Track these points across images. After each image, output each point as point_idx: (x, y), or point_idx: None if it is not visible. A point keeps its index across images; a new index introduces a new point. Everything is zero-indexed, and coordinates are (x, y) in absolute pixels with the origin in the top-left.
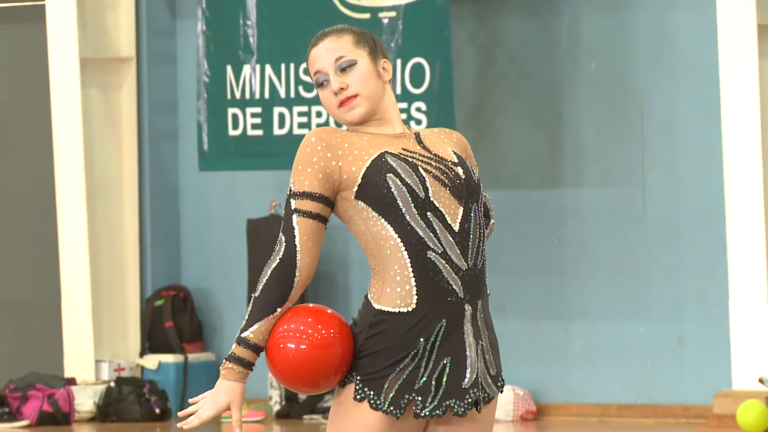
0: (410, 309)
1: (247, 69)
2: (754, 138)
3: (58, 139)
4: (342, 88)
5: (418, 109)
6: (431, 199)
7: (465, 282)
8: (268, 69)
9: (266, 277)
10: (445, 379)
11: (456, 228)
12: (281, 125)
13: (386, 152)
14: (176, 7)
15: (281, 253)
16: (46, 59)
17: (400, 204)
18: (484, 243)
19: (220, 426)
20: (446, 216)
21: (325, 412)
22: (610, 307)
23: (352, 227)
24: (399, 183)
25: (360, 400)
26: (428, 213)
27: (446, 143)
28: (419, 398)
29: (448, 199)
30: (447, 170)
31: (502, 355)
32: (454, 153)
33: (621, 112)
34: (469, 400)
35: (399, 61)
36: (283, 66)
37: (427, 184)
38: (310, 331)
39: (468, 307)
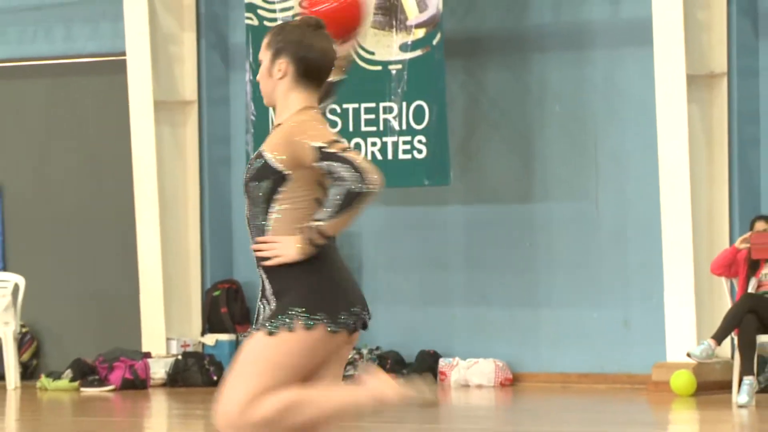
0: None
1: None
2: (683, 164)
3: (137, 166)
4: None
5: (420, 141)
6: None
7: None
8: None
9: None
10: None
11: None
12: None
13: None
14: (229, 60)
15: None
16: (127, 103)
17: None
18: (255, 221)
19: None
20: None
21: (346, 379)
22: (571, 297)
23: None
24: None
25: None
26: None
27: (268, 138)
28: None
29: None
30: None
31: (486, 335)
32: (260, 149)
33: (579, 144)
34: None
35: (404, 104)
36: None
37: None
38: None
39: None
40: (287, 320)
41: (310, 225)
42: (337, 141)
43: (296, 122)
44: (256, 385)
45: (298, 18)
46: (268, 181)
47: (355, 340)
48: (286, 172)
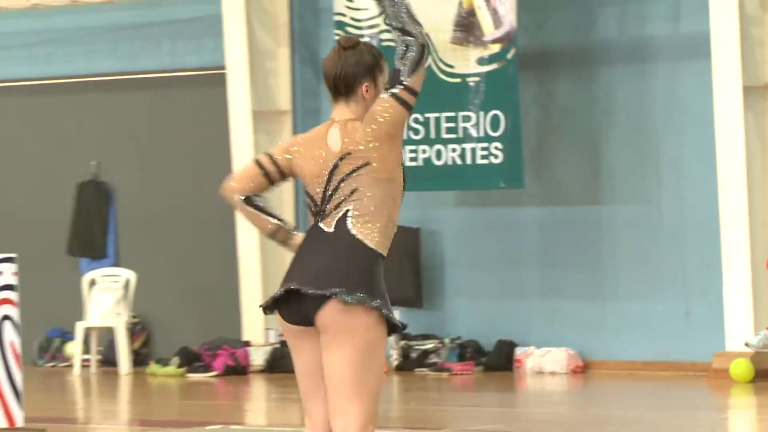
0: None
1: None
2: (740, 169)
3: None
4: None
5: (496, 147)
6: None
7: None
8: None
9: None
10: None
11: None
12: None
13: None
14: (320, 74)
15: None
16: (227, 112)
17: None
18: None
19: None
20: None
21: (430, 366)
22: (636, 291)
23: None
24: None
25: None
26: None
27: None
28: None
29: None
30: None
31: (559, 325)
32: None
33: (642, 151)
34: None
35: (482, 113)
36: None
37: None
38: None
39: None
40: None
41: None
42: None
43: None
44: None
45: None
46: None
47: (320, 326)
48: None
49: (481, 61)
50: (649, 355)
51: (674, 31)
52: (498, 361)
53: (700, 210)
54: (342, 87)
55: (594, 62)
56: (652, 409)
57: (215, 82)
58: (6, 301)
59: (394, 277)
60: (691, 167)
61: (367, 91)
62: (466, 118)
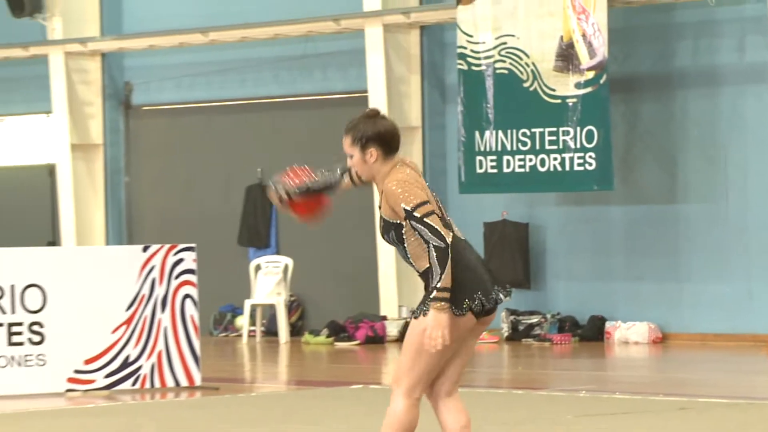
0: None
1: (487, 133)
2: None
3: None
4: (351, 166)
5: (590, 156)
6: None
7: None
8: (500, 133)
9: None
10: None
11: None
12: (508, 166)
13: None
14: (445, 96)
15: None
16: None
17: None
18: (402, 254)
19: None
20: None
21: (534, 337)
22: (707, 275)
23: None
24: None
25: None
26: None
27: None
28: None
29: None
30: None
31: (642, 303)
32: (380, 213)
33: (712, 159)
34: None
35: (578, 128)
36: (508, 131)
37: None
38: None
39: None
40: (424, 308)
41: (432, 294)
42: (420, 204)
43: (393, 184)
44: (409, 360)
45: (360, 115)
46: (392, 231)
47: (489, 320)
48: (399, 222)
49: (578, 85)
50: (718, 328)
51: (739, 60)
52: (591, 333)
53: (760, 207)
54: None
55: (672, 86)
56: (720, 373)
57: (359, 103)
58: (187, 282)
59: (507, 264)
60: (752, 172)
61: None
62: (566, 132)
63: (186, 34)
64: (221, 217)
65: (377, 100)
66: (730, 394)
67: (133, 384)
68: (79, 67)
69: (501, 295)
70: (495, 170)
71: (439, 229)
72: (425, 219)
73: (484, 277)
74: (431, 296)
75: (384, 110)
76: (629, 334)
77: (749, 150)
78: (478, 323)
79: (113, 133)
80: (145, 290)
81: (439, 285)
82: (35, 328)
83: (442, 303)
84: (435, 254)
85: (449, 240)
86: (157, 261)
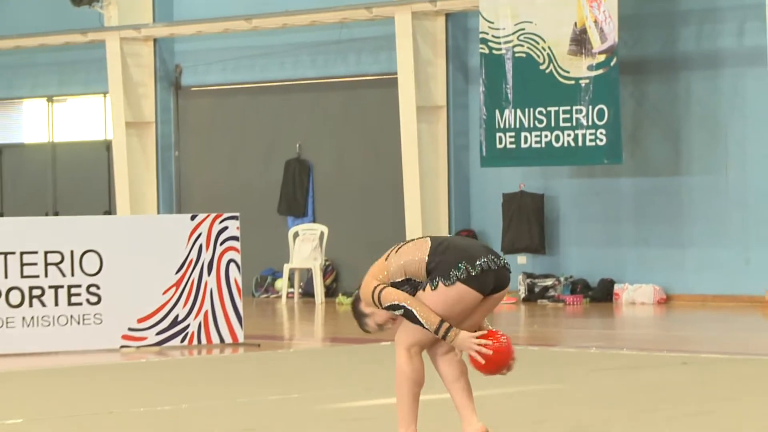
0: None
1: (507, 111)
2: None
3: (405, 151)
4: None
5: (601, 133)
6: None
7: None
8: (518, 111)
9: (414, 320)
10: None
11: None
12: (525, 142)
13: None
14: (468, 78)
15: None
16: (397, 108)
17: None
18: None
19: None
20: None
21: (549, 298)
22: (708, 241)
23: None
24: None
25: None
26: None
27: None
28: None
29: None
30: None
31: (648, 267)
32: None
33: (714, 135)
34: None
35: (590, 107)
36: (526, 110)
37: None
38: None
39: None
40: (424, 284)
41: (440, 335)
42: (376, 287)
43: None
44: (410, 326)
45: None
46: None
47: (498, 297)
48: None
49: (590, 68)
50: (717, 290)
51: (739, 44)
52: (601, 294)
53: (758, 180)
54: None
55: (677, 68)
56: (719, 331)
57: (389, 84)
58: (231, 248)
59: (524, 231)
60: (750, 147)
61: None
62: (579, 111)
63: (231, 21)
64: (262, 188)
65: (406, 81)
66: (728, 350)
67: (182, 341)
68: (133, 52)
69: (490, 264)
70: (513, 145)
71: (391, 303)
72: (381, 301)
73: (470, 250)
74: (443, 337)
75: (412, 91)
76: (636, 296)
77: (748, 127)
78: (486, 299)
79: (164, 112)
80: (193, 255)
81: (432, 327)
82: (92, 289)
83: (447, 330)
84: (407, 317)
85: (405, 299)
86: (203, 229)
